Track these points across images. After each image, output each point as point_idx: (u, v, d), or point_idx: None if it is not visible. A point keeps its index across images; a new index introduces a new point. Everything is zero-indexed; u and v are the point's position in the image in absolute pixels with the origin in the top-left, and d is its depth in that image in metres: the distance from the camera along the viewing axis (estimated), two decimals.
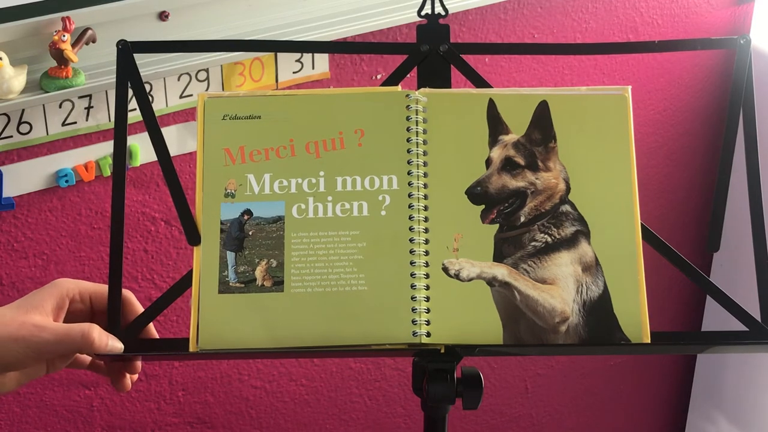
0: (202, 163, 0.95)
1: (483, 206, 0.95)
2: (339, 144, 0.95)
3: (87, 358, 0.99)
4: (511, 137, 0.96)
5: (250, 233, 0.94)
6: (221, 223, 0.94)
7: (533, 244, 0.94)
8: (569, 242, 0.94)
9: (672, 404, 2.34)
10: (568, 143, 0.96)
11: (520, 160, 0.96)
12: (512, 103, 0.96)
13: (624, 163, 0.96)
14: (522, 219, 0.95)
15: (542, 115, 0.96)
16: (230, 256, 0.93)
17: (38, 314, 0.90)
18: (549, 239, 0.94)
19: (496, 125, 0.96)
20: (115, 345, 0.91)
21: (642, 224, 0.95)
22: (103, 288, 0.94)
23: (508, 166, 0.96)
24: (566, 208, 0.95)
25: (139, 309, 0.95)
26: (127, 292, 0.95)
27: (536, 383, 2.14)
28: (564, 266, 0.94)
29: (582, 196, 0.95)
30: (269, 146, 0.96)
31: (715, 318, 2.14)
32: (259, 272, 0.93)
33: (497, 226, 0.94)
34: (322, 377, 1.88)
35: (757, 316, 0.94)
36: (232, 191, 0.95)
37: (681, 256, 0.95)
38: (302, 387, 1.87)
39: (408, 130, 0.95)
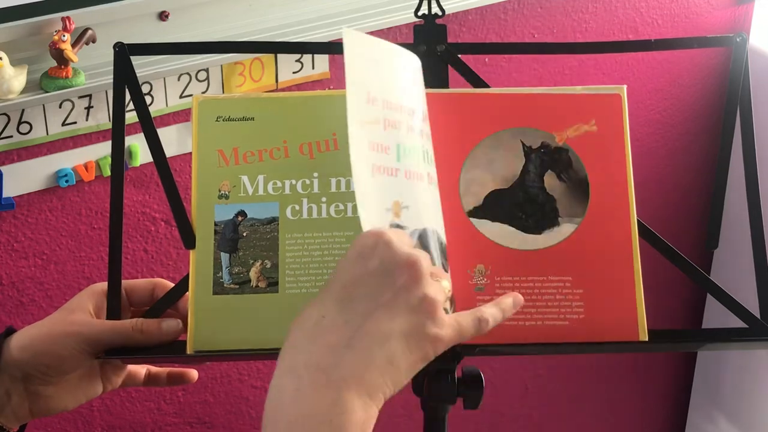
0: (197, 165, 0.95)
1: None
2: (333, 145, 0.95)
3: (142, 374, 1.02)
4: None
5: (245, 234, 0.94)
6: (215, 224, 0.94)
7: None
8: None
9: (672, 404, 2.34)
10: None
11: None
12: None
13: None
14: None
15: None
16: (224, 257, 0.93)
17: (83, 314, 0.92)
18: None
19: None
20: (170, 324, 0.93)
21: (642, 223, 0.95)
22: (134, 282, 0.96)
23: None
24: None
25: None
26: (160, 281, 0.97)
27: (536, 383, 2.14)
28: None
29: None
30: (263, 147, 0.96)
31: (716, 316, 2.14)
32: (253, 273, 0.93)
33: None
34: None
35: (757, 313, 0.94)
36: (226, 192, 0.95)
37: (681, 255, 0.95)
38: None
39: None
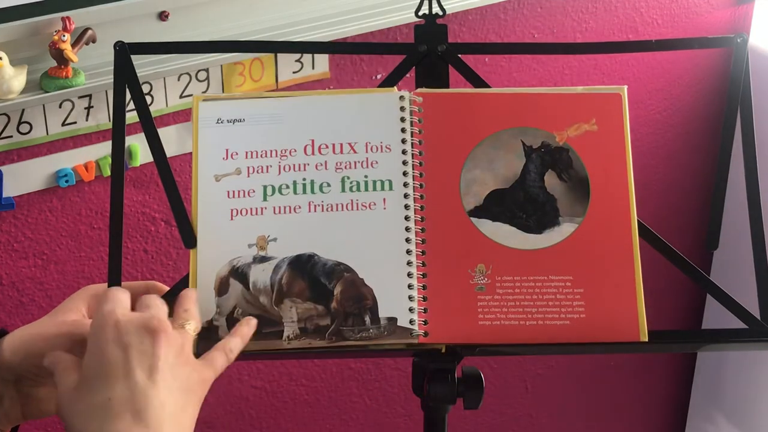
0: (197, 166, 0.95)
1: None
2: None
3: None
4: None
5: None
6: None
7: None
8: None
9: (672, 404, 2.34)
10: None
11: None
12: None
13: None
14: None
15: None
16: None
17: (75, 315, 0.92)
18: None
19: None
20: None
21: (642, 224, 0.95)
22: (128, 284, 0.96)
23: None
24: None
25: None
26: (155, 284, 0.98)
27: (536, 383, 2.14)
28: None
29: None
30: None
31: (716, 316, 2.14)
32: None
33: None
34: (322, 377, 1.88)
35: (757, 314, 0.94)
36: None
37: (681, 255, 0.95)
38: (302, 387, 1.87)
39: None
